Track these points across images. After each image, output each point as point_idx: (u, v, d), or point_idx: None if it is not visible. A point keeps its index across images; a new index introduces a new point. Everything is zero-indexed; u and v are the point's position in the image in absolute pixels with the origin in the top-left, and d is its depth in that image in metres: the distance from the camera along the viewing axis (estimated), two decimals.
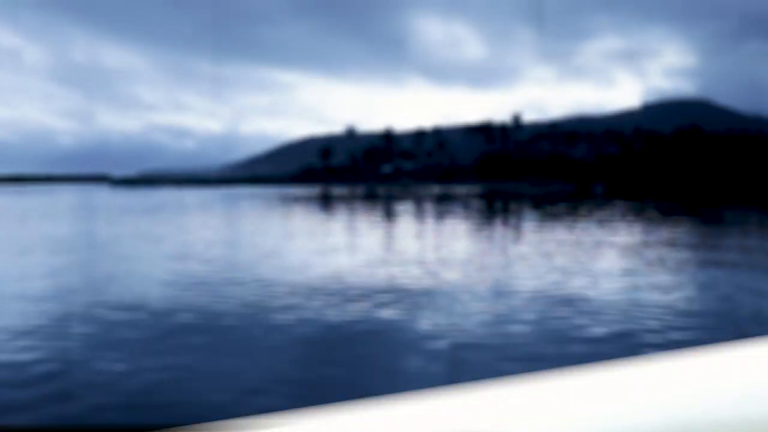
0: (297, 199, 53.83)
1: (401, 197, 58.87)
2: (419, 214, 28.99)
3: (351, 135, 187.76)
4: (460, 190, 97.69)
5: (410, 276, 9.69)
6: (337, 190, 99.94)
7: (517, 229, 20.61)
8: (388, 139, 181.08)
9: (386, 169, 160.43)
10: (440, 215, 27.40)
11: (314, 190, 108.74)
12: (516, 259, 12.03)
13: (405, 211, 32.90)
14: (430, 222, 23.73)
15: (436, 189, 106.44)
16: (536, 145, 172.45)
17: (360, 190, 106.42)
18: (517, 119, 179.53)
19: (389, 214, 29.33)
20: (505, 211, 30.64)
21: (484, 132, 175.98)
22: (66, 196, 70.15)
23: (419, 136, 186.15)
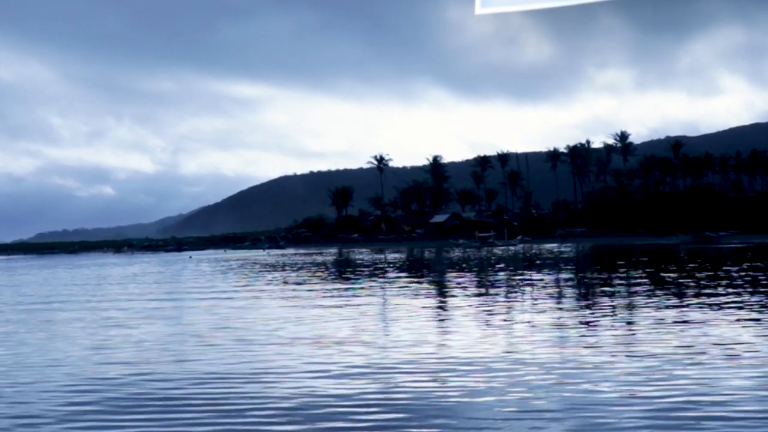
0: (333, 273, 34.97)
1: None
2: None
3: (372, 169, 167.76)
4: (562, 247, 78.36)
5: None
6: (367, 254, 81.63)
7: None
8: (436, 174, 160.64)
9: (439, 218, 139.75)
10: None
11: (326, 252, 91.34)
12: None
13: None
14: None
15: (522, 247, 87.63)
16: (648, 178, 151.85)
17: (404, 251, 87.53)
18: (624, 138, 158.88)
19: None
20: None
21: (575, 160, 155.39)
22: None
23: (480, 167, 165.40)
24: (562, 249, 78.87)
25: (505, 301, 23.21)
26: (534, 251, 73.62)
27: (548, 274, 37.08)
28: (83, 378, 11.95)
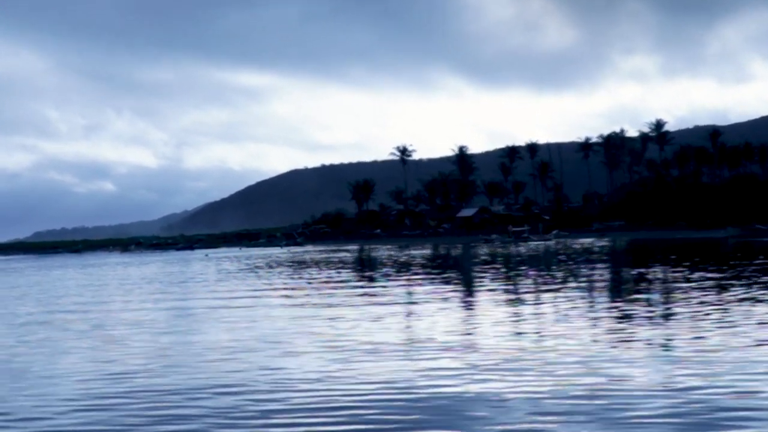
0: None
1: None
2: None
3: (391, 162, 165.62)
4: (601, 243, 76.42)
5: None
6: (397, 251, 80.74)
7: None
8: (463, 166, 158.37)
9: (466, 212, 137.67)
10: None
11: (349, 249, 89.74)
12: None
13: None
14: None
15: (555, 242, 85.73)
16: (684, 168, 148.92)
17: (432, 247, 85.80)
18: (659, 127, 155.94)
19: None
20: None
21: (609, 150, 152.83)
22: None
23: (509, 158, 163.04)
24: (604, 243, 76.69)
25: (584, 299, 21.79)
26: (576, 246, 71.45)
27: (612, 270, 35.63)
28: (158, 391, 10.53)
